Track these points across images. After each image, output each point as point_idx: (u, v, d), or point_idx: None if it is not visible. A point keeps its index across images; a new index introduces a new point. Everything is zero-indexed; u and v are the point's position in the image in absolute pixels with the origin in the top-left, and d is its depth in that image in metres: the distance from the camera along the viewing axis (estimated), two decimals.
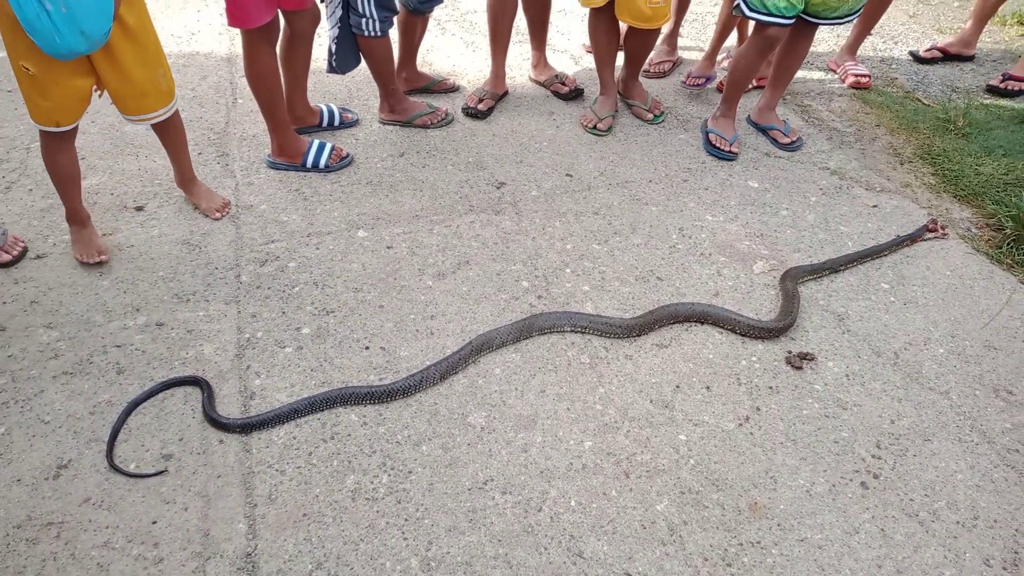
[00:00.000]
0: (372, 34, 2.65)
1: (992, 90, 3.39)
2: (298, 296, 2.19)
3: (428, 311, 2.14)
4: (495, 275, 2.28)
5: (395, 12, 2.70)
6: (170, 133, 2.35)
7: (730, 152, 2.86)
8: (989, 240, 2.51)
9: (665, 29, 3.31)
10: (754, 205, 2.64)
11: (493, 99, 3.16)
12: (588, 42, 3.51)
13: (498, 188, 2.68)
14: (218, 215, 2.48)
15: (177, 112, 2.31)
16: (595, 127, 2.99)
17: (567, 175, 2.75)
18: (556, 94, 3.27)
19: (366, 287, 2.22)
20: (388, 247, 2.39)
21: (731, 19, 3.14)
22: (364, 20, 2.61)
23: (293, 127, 2.75)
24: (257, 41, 2.40)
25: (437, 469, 1.69)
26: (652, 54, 3.32)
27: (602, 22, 2.87)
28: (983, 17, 3.58)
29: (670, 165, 2.84)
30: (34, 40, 1.83)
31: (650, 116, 3.10)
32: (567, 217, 2.53)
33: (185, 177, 2.48)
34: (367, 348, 2.02)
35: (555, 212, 2.56)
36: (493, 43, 3.12)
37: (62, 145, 2.14)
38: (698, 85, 3.24)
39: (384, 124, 3.02)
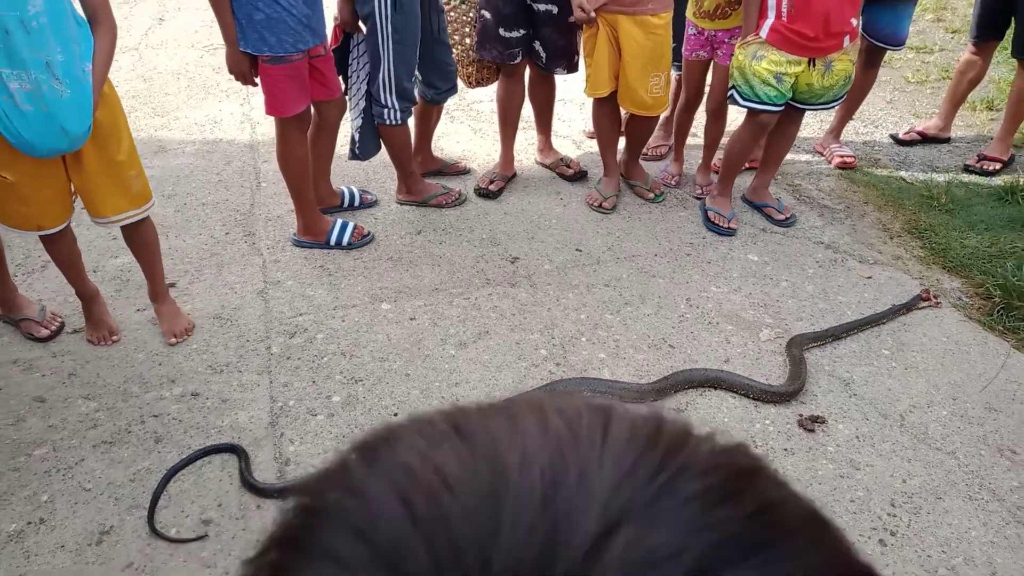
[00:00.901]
0: (393, 123, 2.84)
1: (969, 169, 3.62)
2: (327, 366, 2.27)
3: (452, 379, 2.23)
4: (514, 344, 2.38)
5: (414, 102, 2.91)
6: (138, 241, 2.29)
7: (729, 228, 3.03)
8: (980, 308, 2.65)
9: (662, 115, 3.54)
10: (755, 277, 2.78)
11: (503, 180, 3.35)
12: (588, 128, 3.74)
13: (512, 263, 2.82)
14: (173, 340, 2.32)
15: (149, 221, 2.27)
16: (601, 205, 3.17)
17: (577, 250, 2.90)
18: (562, 176, 3.46)
19: (392, 357, 2.32)
20: (411, 319, 2.50)
21: (715, 137, 3.34)
22: (386, 110, 2.80)
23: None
24: (291, 128, 2.58)
25: None
26: (650, 138, 3.53)
27: (605, 110, 3.10)
28: (955, 103, 3.85)
29: (673, 240, 3.01)
30: (11, 142, 1.85)
31: (651, 195, 3.28)
32: (579, 289, 2.67)
33: (156, 292, 2.37)
34: (395, 415, 2.10)
35: (568, 284, 2.69)
36: (503, 129, 3.33)
37: (55, 239, 2.15)
38: (673, 185, 3.41)
39: (401, 204, 3.19)
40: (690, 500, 0.25)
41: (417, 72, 2.95)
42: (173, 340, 2.33)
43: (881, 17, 3.27)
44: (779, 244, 3.01)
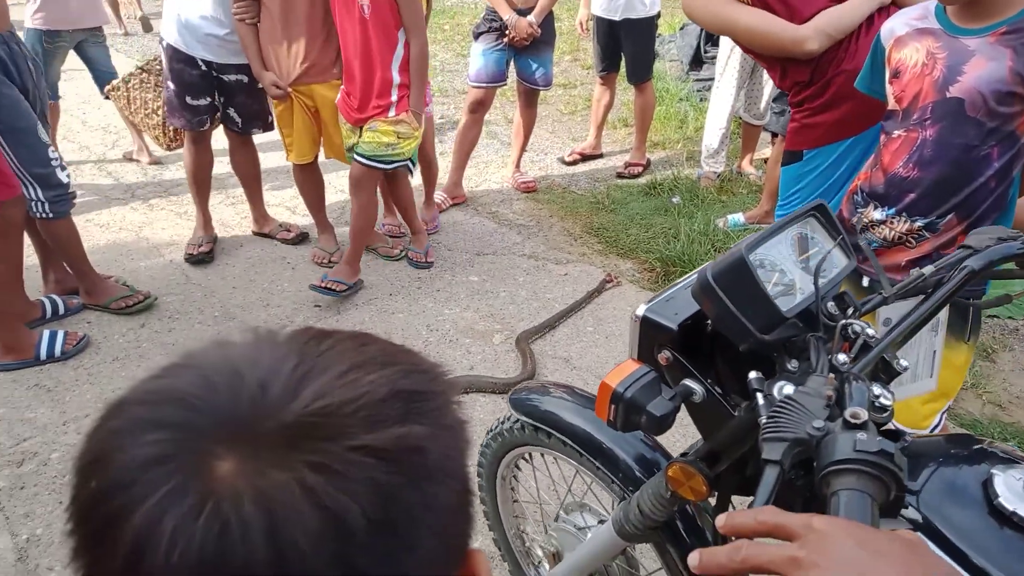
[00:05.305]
0: (47, 215, 2.62)
1: (620, 176, 4.46)
2: None
3: None
4: None
5: (65, 187, 2.65)
6: None
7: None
8: (649, 279, 3.33)
9: None
10: (479, 294, 3.16)
11: (211, 241, 3.40)
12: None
13: None
14: None
15: None
16: (329, 261, 3.32)
17: (316, 306, 3.02)
18: (283, 241, 3.54)
19: None
20: None
21: (431, 183, 3.71)
22: (33, 203, 2.57)
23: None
24: None
25: None
26: None
27: (307, 175, 3.27)
28: (599, 125, 4.72)
29: (402, 279, 3.27)
30: None
31: (396, 252, 3.43)
32: None
33: None
34: None
35: None
36: (197, 194, 3.36)
37: None
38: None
39: (86, 308, 2.93)
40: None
41: None
42: None
43: (528, 65, 3.93)
44: (492, 263, 3.44)
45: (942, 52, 1.51)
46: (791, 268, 0.72)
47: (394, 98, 2.83)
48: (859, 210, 1.69)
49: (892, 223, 1.63)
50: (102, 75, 4.13)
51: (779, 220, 0.75)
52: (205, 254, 3.31)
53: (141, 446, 0.37)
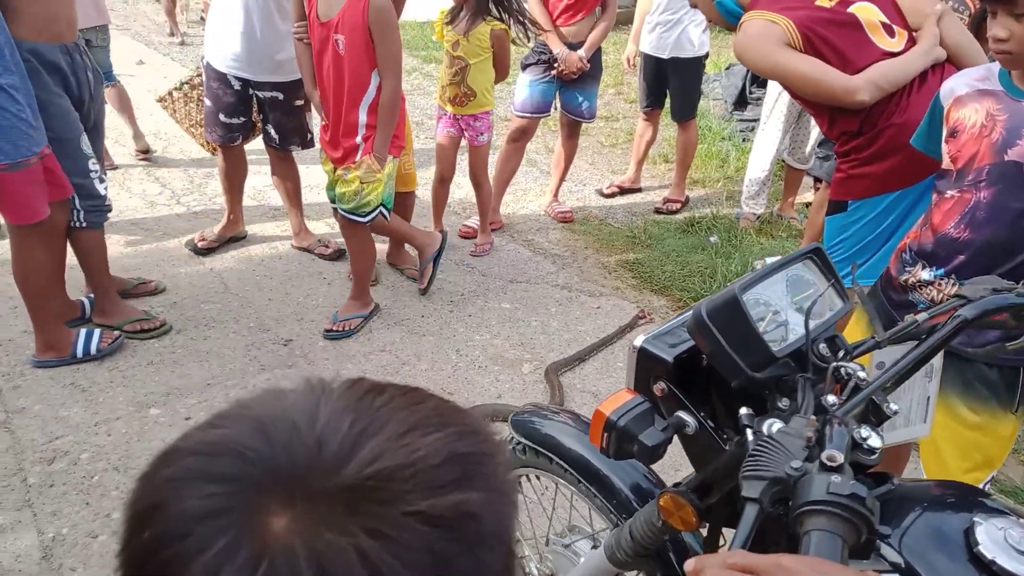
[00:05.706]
0: (79, 224, 2.65)
1: (658, 211, 4.45)
2: (100, 484, 2.16)
3: None
4: None
5: (102, 198, 2.66)
6: None
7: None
8: None
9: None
10: (510, 321, 3.17)
11: (219, 241, 3.56)
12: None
13: (285, 345, 2.90)
14: None
15: None
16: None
17: None
18: (321, 256, 3.62)
19: None
20: (186, 419, 2.46)
21: (484, 204, 3.75)
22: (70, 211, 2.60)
23: None
24: (33, 236, 2.46)
25: None
26: None
27: None
28: (639, 160, 4.73)
29: (435, 301, 3.30)
30: None
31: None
32: (357, 358, 2.83)
33: None
34: None
35: (345, 356, 2.84)
36: (227, 196, 3.51)
37: None
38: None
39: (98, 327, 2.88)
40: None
41: None
42: None
43: (574, 98, 3.97)
44: (525, 292, 3.45)
45: (1003, 114, 1.48)
46: (785, 309, 0.72)
47: (359, 139, 2.76)
48: (907, 268, 1.65)
49: (940, 285, 1.58)
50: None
51: (776, 261, 0.76)
52: (203, 248, 3.48)
53: (197, 498, 0.38)
